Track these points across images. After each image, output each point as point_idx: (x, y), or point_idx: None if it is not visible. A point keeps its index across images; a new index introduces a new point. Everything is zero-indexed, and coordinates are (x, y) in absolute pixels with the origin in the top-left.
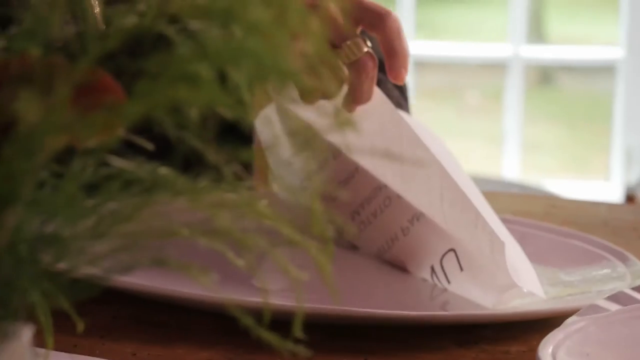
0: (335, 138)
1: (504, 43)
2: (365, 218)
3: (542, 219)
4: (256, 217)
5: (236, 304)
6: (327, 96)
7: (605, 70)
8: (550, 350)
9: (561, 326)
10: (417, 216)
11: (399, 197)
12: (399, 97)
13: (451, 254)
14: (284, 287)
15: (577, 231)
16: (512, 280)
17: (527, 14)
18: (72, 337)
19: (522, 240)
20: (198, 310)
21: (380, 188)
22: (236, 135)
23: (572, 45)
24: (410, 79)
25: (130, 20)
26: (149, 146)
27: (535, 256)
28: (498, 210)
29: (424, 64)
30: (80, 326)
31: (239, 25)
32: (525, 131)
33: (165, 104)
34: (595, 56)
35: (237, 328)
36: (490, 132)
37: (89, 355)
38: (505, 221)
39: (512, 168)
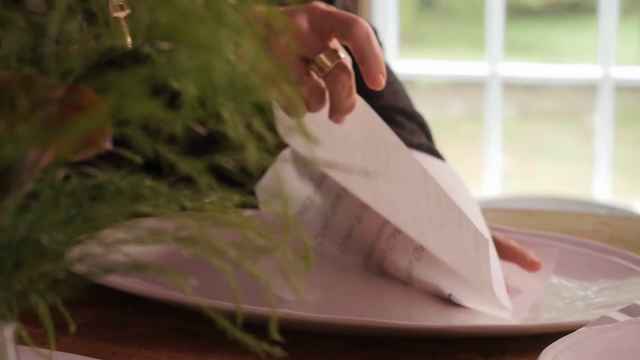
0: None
1: (593, 65)
2: (380, 252)
3: (589, 236)
4: (230, 226)
5: (212, 306)
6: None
7: None
8: (550, 359)
9: (565, 336)
10: (420, 248)
11: (400, 231)
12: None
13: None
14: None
15: (615, 248)
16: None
17: (617, 34)
18: (111, 345)
19: (560, 256)
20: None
21: (384, 224)
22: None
23: None
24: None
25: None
26: (138, 159)
27: (570, 270)
28: (548, 228)
29: (511, 86)
30: (72, 327)
31: (186, 43)
32: (616, 152)
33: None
34: None
35: (267, 338)
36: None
37: None
38: (546, 237)
39: (602, 189)
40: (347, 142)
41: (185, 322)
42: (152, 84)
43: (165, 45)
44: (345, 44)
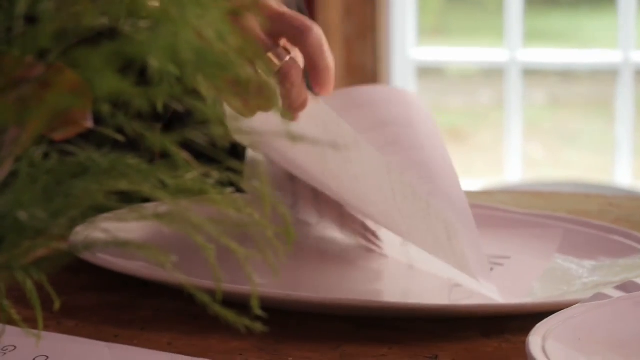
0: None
1: (614, 49)
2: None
3: (595, 217)
4: (211, 203)
5: (194, 284)
6: (264, 105)
7: None
8: (542, 335)
9: (558, 313)
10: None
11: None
12: None
13: None
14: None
15: (618, 227)
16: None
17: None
18: (114, 328)
19: (563, 236)
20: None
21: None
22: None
23: None
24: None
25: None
26: (120, 138)
27: (573, 250)
28: (555, 209)
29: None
30: (57, 304)
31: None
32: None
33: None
34: None
35: (267, 320)
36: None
37: (128, 344)
38: (550, 218)
39: (623, 175)
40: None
41: (187, 304)
42: (123, 61)
43: (141, 23)
44: (298, 48)
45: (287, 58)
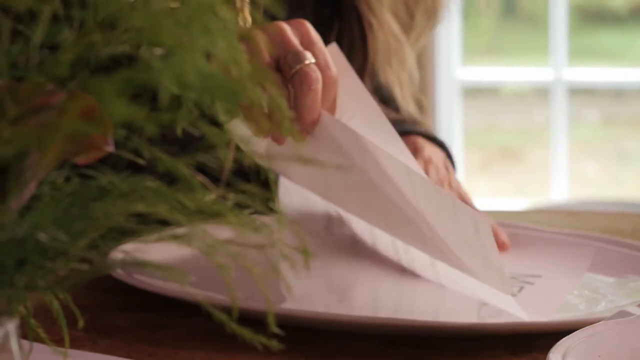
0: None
1: None
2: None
3: (628, 235)
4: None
5: (211, 302)
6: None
7: None
8: (562, 352)
9: (579, 330)
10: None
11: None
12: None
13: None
14: None
15: None
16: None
17: None
18: (148, 347)
19: (595, 254)
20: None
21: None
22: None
23: None
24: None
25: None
26: (141, 161)
27: (604, 268)
28: (589, 228)
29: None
30: (81, 323)
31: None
32: None
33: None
34: None
35: (297, 338)
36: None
37: None
38: (582, 237)
39: None
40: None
41: (220, 324)
42: (135, 88)
43: (156, 51)
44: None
45: (307, 62)
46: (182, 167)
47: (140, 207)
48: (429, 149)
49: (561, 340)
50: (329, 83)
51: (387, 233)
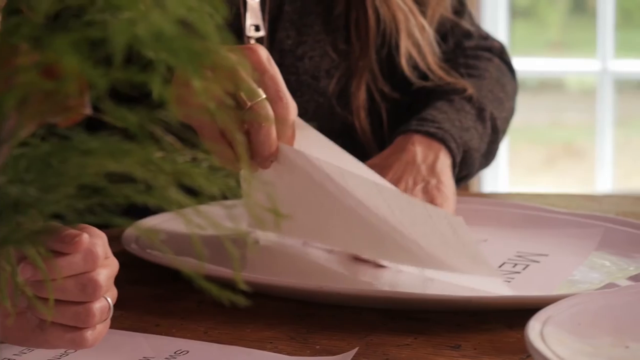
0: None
1: None
2: None
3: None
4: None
5: (191, 268)
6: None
7: None
8: (542, 320)
9: (561, 300)
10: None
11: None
12: None
13: None
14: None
15: None
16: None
17: None
18: (155, 318)
19: (603, 235)
20: (267, 295)
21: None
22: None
23: None
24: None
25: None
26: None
27: (610, 248)
28: (606, 211)
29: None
30: None
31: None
32: None
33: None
34: None
35: (299, 311)
36: None
37: (167, 333)
38: (592, 218)
39: None
40: (294, 192)
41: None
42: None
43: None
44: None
45: (262, 98)
46: (149, 124)
47: (112, 166)
48: (419, 149)
49: (544, 309)
50: (282, 113)
51: (369, 256)
